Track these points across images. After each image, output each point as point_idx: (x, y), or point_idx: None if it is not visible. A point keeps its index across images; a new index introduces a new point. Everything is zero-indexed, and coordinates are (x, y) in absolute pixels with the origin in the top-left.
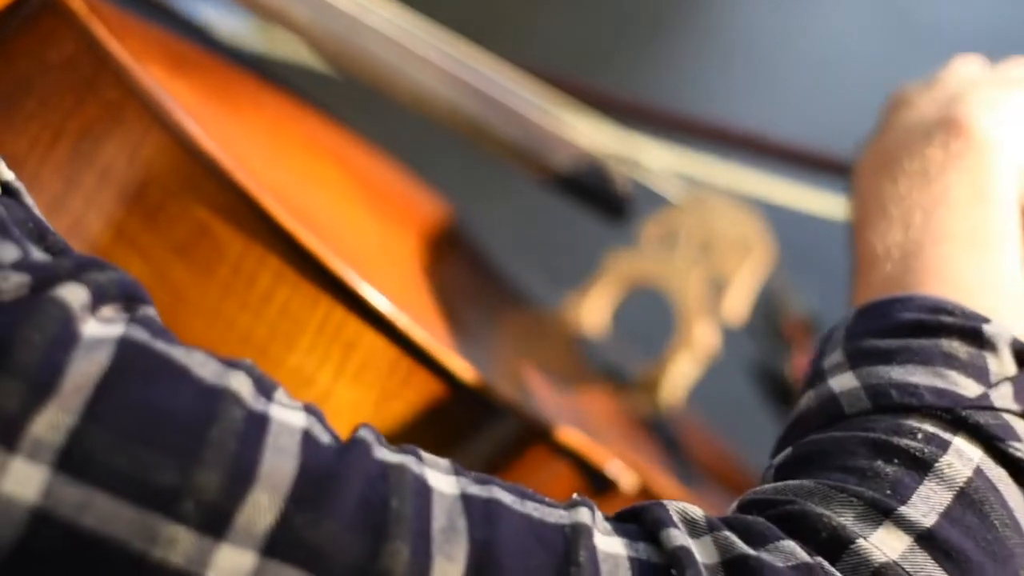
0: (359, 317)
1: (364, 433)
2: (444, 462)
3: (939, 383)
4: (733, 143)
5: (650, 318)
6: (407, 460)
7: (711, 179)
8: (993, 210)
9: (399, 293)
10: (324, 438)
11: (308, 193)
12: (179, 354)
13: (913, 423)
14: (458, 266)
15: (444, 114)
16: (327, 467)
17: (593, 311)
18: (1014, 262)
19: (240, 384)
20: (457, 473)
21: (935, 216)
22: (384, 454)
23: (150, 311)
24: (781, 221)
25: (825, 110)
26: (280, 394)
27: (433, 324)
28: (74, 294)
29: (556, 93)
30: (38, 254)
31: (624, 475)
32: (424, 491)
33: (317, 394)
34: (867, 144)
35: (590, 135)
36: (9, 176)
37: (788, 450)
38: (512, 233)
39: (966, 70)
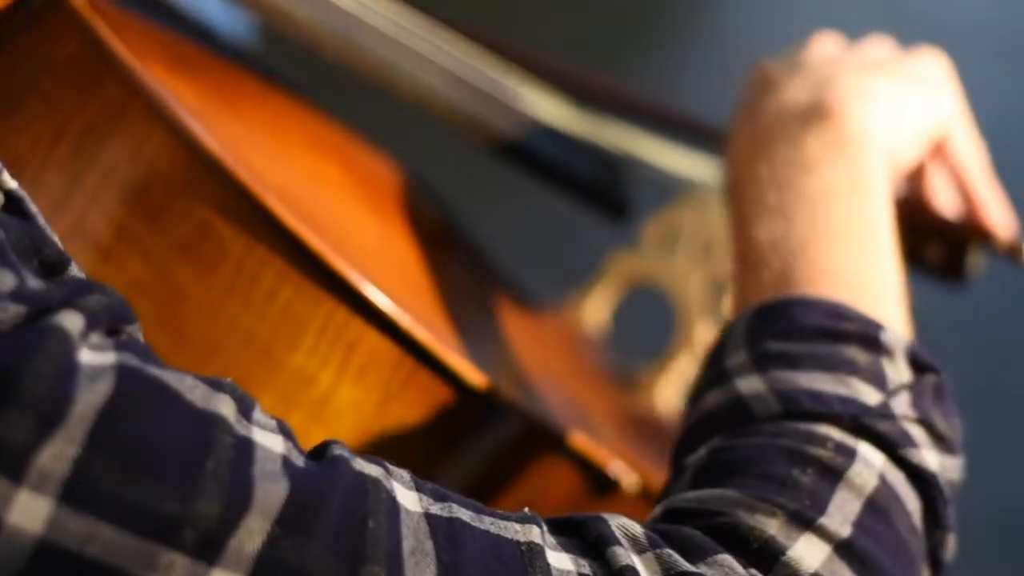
0: (362, 317)
1: (338, 449)
2: (406, 475)
3: (844, 391)
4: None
5: (651, 318)
6: (379, 473)
7: (712, 181)
8: (871, 203)
9: (402, 293)
10: (300, 461)
11: (310, 192)
12: (171, 379)
13: (822, 431)
14: (459, 267)
15: (445, 112)
16: (311, 489)
17: (594, 311)
18: (890, 253)
19: (226, 408)
20: (418, 488)
21: (817, 210)
22: (361, 466)
23: (133, 330)
24: None
25: None
26: (257, 413)
27: (435, 324)
28: (71, 321)
29: (558, 89)
30: (33, 281)
31: (626, 475)
32: (395, 510)
33: (319, 394)
34: (736, 122)
35: (592, 133)
36: (12, 185)
37: (702, 452)
38: (512, 233)
39: (827, 49)
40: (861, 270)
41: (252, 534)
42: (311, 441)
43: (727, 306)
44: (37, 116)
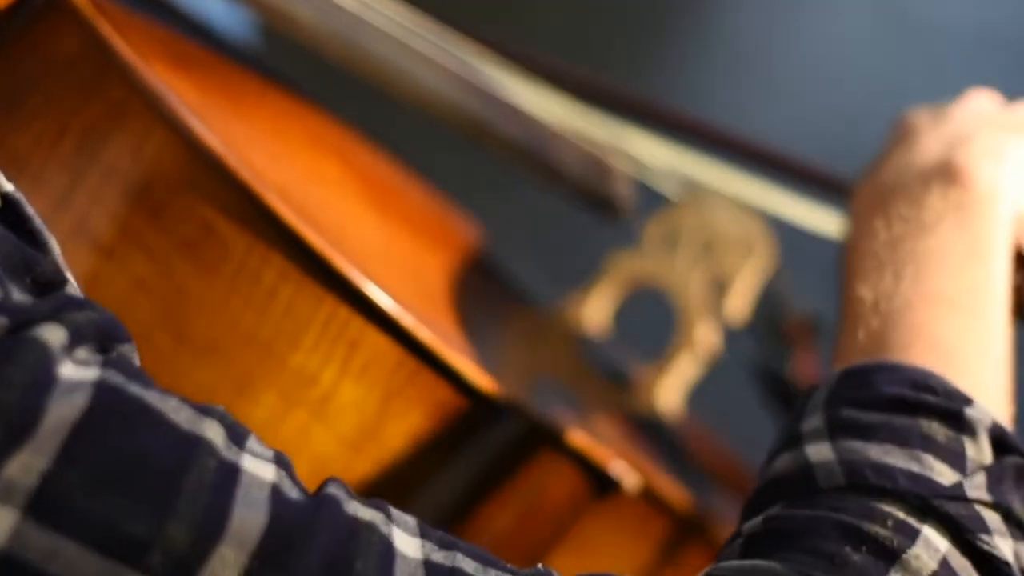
0: (363, 316)
1: (334, 488)
2: (411, 521)
3: (915, 467)
4: (737, 150)
5: (651, 318)
6: (376, 518)
7: (713, 183)
8: (987, 270)
9: (403, 292)
10: (293, 493)
11: (312, 191)
12: (154, 399)
13: (885, 507)
14: (461, 265)
15: (446, 113)
16: (295, 524)
17: (595, 311)
18: (1000, 325)
19: (213, 432)
20: (423, 535)
21: (928, 272)
22: (355, 509)
23: (125, 350)
24: (782, 220)
25: (823, 113)
26: (252, 442)
27: (437, 323)
28: (53, 334)
29: (558, 90)
30: (19, 295)
31: (627, 475)
32: (388, 554)
33: (320, 393)
34: (869, 169)
35: (592, 134)
36: (9, 188)
37: (759, 520)
38: (513, 233)
39: (977, 106)
40: (963, 339)
41: (227, 565)
42: (312, 440)
43: (727, 306)
44: (39, 115)
